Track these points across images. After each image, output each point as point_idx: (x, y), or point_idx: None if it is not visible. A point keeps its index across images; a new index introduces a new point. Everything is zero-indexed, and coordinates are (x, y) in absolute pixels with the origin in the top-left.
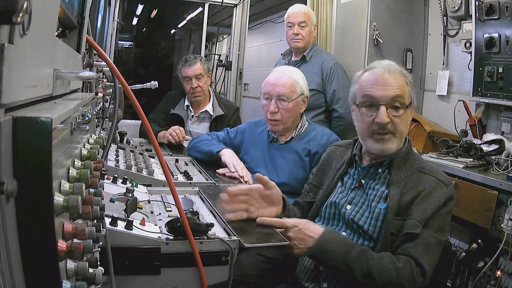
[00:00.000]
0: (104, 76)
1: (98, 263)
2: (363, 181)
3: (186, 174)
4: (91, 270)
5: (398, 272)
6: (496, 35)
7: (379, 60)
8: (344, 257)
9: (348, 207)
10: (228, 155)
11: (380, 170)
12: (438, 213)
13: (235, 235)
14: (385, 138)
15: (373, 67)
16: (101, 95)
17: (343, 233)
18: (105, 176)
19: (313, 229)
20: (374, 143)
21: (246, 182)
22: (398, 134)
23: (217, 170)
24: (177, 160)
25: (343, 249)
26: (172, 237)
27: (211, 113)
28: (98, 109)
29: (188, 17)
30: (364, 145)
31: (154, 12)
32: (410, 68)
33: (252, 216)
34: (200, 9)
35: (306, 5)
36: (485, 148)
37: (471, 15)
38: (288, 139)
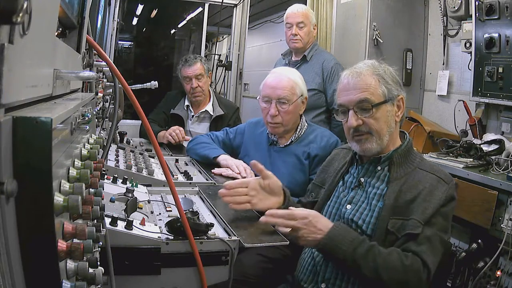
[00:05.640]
0: (104, 76)
1: (98, 263)
2: (362, 180)
3: (186, 174)
4: (91, 270)
5: (406, 269)
6: (496, 35)
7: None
8: (352, 253)
9: (349, 206)
10: (228, 159)
11: (379, 168)
12: (439, 211)
13: (235, 235)
14: (362, 139)
15: (344, 73)
16: (101, 95)
17: None
18: (105, 176)
19: (323, 222)
20: (356, 144)
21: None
22: (375, 133)
23: (212, 170)
24: (177, 160)
25: (352, 245)
26: (172, 237)
27: (211, 113)
28: (98, 109)
29: (188, 17)
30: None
31: (154, 12)
32: (410, 68)
33: (256, 207)
34: (200, 9)
35: (306, 5)
36: (485, 148)
37: (471, 15)
38: (288, 142)
